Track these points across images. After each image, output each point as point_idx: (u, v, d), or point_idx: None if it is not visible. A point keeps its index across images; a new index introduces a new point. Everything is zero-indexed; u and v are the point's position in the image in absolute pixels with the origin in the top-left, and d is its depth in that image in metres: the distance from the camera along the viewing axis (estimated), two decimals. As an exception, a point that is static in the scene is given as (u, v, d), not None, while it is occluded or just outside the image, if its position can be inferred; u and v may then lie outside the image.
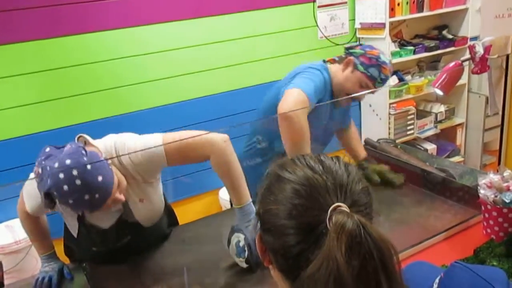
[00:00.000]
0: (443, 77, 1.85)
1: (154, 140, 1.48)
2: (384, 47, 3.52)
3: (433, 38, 3.92)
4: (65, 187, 1.24)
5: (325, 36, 3.56)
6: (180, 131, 1.56)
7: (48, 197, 1.30)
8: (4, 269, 2.13)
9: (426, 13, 3.65)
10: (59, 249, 1.80)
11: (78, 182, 1.25)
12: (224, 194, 3.19)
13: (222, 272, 1.61)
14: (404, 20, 3.83)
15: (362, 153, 2.27)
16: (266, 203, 0.71)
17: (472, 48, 1.75)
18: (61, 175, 1.25)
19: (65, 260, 1.82)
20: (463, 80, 3.91)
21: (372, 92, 1.92)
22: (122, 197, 1.40)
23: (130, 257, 1.74)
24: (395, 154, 2.28)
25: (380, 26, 3.48)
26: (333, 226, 0.62)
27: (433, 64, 4.05)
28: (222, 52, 3.16)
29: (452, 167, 2.15)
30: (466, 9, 3.77)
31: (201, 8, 3.03)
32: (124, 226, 1.59)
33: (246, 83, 3.31)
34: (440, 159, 2.40)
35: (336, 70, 1.96)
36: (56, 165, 1.27)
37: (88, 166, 1.28)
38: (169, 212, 1.92)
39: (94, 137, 1.49)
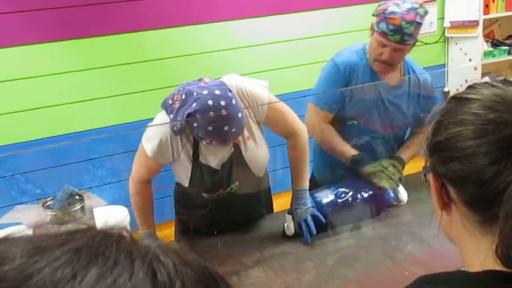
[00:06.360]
0: None
1: (264, 92, 1.58)
2: (477, 46, 3.35)
3: (529, 38, 3.68)
4: (211, 114, 1.32)
5: (412, 35, 3.43)
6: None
7: (187, 119, 1.36)
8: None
9: (523, 10, 3.44)
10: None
11: (224, 112, 1.33)
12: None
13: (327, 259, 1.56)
14: (497, 20, 3.62)
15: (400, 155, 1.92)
16: (446, 129, 0.64)
17: None
18: (210, 102, 1.32)
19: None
20: None
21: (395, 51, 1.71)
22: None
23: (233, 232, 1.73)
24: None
25: (473, 24, 3.30)
26: None
27: (528, 66, 3.79)
28: (310, 48, 3.13)
29: None
30: None
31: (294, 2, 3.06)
32: (233, 168, 1.59)
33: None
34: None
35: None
36: (206, 92, 1.34)
37: (233, 101, 1.36)
38: (267, 198, 1.89)
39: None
